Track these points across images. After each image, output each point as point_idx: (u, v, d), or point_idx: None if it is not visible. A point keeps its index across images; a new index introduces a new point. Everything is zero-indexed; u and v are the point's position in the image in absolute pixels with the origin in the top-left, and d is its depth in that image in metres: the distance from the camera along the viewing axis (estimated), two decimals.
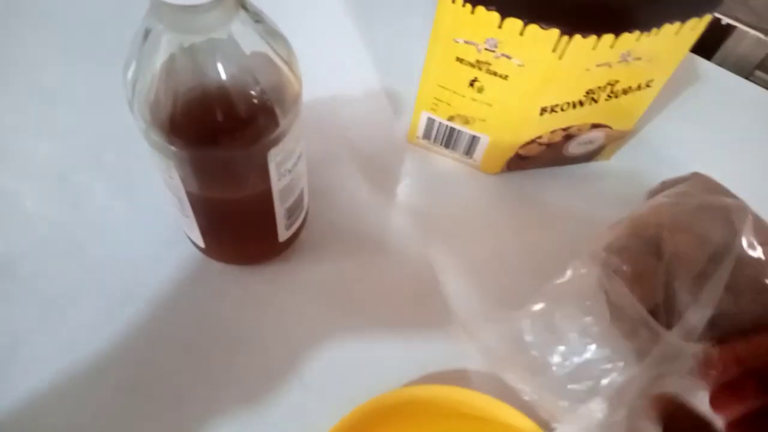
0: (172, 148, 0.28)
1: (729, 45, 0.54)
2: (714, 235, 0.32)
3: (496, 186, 0.44)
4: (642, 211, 0.35)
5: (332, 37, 0.51)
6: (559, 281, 0.34)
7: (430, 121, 0.42)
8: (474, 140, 0.42)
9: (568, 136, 0.42)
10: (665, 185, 0.37)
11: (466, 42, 0.35)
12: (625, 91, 0.39)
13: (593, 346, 0.33)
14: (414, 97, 0.42)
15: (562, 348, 0.34)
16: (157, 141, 0.28)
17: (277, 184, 0.32)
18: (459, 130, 0.42)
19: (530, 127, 0.40)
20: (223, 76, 0.26)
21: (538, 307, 0.34)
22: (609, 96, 0.38)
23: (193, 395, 0.35)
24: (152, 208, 0.40)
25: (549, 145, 0.42)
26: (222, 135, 0.28)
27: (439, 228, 0.42)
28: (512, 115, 0.39)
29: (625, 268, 0.33)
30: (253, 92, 0.27)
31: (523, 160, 0.43)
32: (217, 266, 0.39)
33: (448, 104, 0.40)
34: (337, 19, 0.52)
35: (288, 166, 0.31)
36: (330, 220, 0.42)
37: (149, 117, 0.27)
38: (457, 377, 0.37)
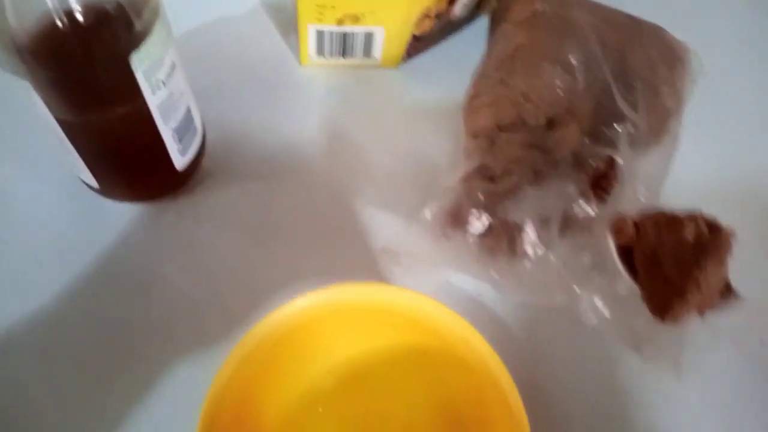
0: (24, 65, 0.26)
1: None
2: None
3: (402, 75, 0.43)
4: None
5: None
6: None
7: (320, 34, 0.40)
8: (369, 37, 0.40)
9: None
10: None
11: None
12: None
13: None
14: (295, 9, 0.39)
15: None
16: (6, 59, 0.26)
17: (153, 98, 0.30)
18: (352, 32, 0.40)
19: (418, 1, 0.39)
20: None
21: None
22: None
23: (114, 346, 0.33)
24: (44, 163, 0.37)
25: (438, 16, 0.41)
26: (71, 43, 0.26)
27: (350, 138, 0.40)
28: None
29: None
30: None
31: (419, 41, 0.42)
32: (119, 207, 0.36)
33: (333, 6, 0.38)
34: None
35: (160, 76, 0.29)
36: (231, 147, 0.39)
37: None
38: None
